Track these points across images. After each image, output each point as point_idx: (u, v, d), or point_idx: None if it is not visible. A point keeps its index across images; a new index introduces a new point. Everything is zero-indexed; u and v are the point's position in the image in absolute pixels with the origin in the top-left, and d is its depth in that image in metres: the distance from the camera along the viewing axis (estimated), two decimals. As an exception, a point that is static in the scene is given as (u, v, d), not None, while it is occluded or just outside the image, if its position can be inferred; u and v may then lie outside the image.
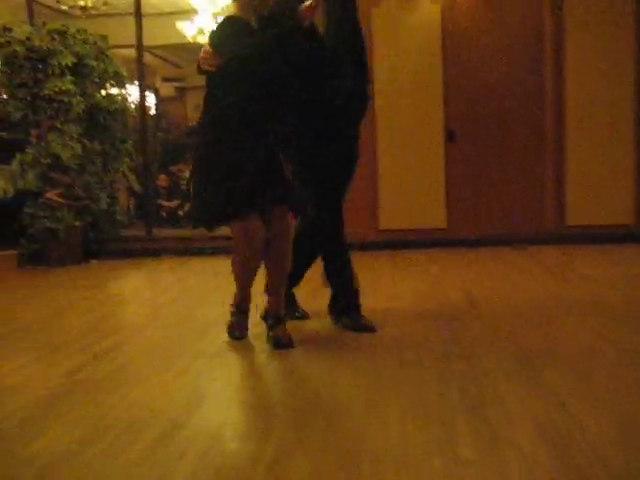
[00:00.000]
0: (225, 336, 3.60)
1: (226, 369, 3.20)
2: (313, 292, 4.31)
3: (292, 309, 3.89)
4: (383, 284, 5.15)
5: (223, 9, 9.58)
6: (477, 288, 4.83)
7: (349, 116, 3.73)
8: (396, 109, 7.12)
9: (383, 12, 7.04)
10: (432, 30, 7.07)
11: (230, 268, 3.52)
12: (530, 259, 6.18)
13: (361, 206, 7.03)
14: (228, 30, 3.38)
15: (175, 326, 4.06)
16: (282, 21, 3.33)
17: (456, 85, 7.15)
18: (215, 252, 7.15)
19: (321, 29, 3.63)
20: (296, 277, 3.89)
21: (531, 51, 7.12)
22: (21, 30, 6.92)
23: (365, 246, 6.73)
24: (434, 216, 7.19)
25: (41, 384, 2.98)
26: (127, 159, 7.47)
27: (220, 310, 4.30)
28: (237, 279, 3.55)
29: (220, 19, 3.64)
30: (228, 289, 5.09)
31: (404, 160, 7.17)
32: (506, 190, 7.18)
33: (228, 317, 3.65)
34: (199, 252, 7.23)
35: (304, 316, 3.99)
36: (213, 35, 3.45)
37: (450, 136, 7.16)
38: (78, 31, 7.10)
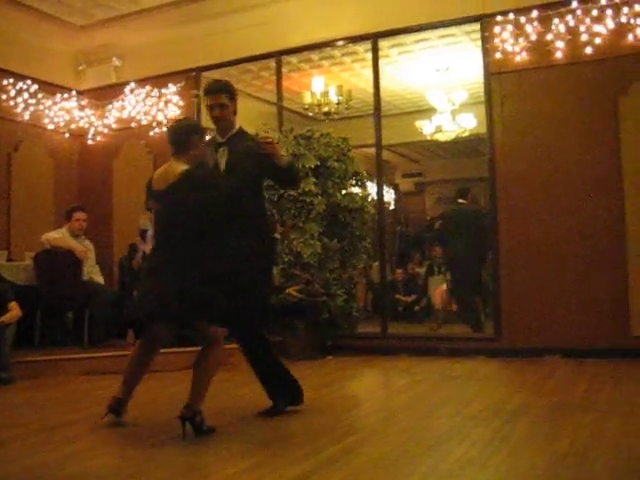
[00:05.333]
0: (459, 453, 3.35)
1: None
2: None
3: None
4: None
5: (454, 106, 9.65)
6: None
7: None
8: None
9: (631, 101, 6.55)
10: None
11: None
12: None
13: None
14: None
15: (406, 435, 3.87)
16: None
17: None
18: (451, 354, 6.90)
19: None
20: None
21: None
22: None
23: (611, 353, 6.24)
24: None
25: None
26: (365, 256, 7.56)
27: (453, 422, 4.08)
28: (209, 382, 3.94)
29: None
30: (462, 397, 4.82)
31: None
32: None
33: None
34: (433, 352, 7.01)
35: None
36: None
37: None
38: (322, 135, 7.46)
